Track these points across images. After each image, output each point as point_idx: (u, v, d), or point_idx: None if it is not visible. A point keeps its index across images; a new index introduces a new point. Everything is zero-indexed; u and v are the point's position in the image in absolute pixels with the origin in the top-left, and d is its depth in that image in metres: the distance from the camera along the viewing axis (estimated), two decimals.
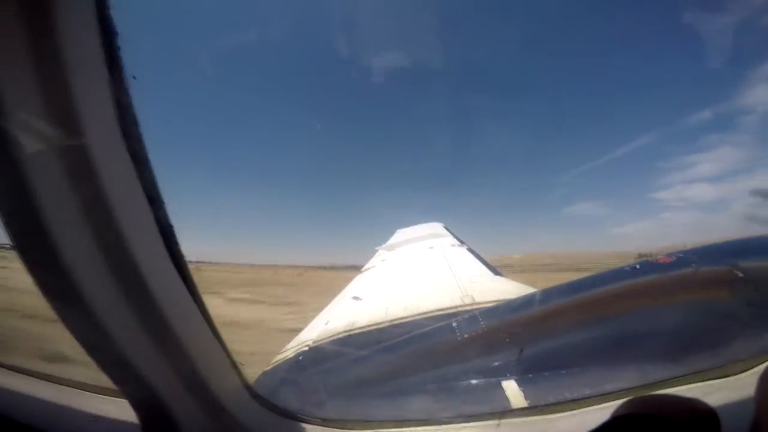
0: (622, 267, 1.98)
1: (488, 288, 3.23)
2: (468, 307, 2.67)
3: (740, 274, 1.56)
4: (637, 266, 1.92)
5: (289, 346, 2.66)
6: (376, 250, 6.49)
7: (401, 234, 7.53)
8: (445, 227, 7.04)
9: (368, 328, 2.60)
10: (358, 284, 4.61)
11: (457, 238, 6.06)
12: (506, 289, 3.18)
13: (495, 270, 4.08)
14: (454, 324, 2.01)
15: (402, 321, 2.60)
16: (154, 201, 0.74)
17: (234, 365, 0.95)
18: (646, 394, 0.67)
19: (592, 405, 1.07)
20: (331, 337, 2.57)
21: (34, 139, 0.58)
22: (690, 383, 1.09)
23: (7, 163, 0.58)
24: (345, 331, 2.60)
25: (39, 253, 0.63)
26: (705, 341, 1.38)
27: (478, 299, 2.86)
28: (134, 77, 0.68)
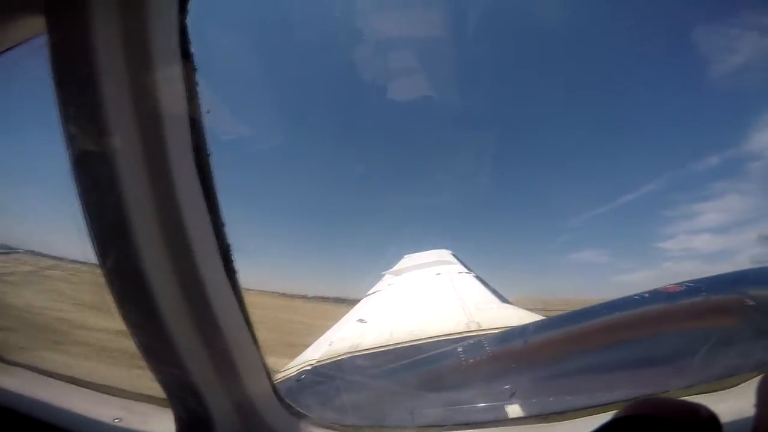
0: (631, 296, 1.95)
1: (495, 315, 3.19)
2: (474, 333, 2.63)
3: (750, 303, 1.54)
4: (646, 295, 1.90)
5: (291, 364, 2.64)
6: (383, 275, 6.47)
7: (408, 260, 7.48)
8: (452, 254, 6.99)
9: (372, 350, 2.58)
10: (363, 307, 4.58)
11: (465, 266, 6.01)
12: (513, 316, 3.13)
13: (503, 297, 4.03)
14: (460, 349, 2.00)
15: (407, 345, 2.58)
16: (217, 222, 0.83)
17: (266, 368, 1.01)
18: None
19: (593, 414, 1.06)
20: (334, 357, 2.55)
21: (124, 154, 0.67)
22: (691, 394, 1.07)
23: (98, 176, 0.66)
24: (348, 353, 2.58)
25: (119, 260, 0.71)
26: (709, 359, 1.35)
27: (484, 326, 2.83)
28: (208, 111, 0.76)
